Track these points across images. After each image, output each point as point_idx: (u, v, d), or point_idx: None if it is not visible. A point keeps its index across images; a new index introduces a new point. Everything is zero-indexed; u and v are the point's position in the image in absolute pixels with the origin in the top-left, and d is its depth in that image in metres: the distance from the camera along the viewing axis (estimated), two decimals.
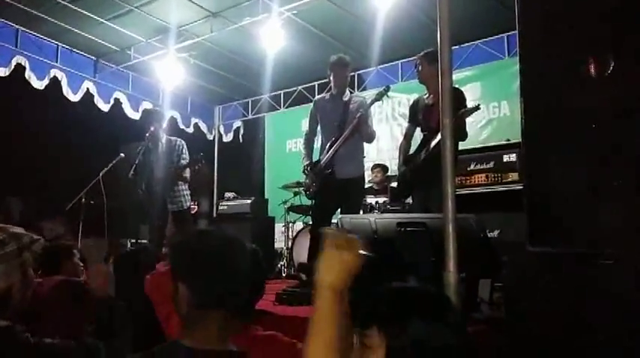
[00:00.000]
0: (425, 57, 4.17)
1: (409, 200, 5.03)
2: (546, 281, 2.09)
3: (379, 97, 4.55)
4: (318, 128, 4.73)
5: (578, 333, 1.93)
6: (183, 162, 5.15)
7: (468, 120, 4.08)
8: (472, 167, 4.89)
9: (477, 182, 4.85)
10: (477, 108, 3.96)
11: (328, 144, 4.50)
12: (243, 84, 9.11)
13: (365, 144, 4.72)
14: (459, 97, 3.89)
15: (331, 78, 4.71)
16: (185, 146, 5.29)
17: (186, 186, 5.27)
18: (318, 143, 4.77)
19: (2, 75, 6.97)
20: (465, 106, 3.97)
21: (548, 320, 2.06)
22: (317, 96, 4.96)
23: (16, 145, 7.29)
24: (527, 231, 2.22)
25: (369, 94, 7.87)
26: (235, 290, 1.41)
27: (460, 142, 4.03)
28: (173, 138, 5.36)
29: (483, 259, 2.52)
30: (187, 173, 5.17)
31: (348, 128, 4.39)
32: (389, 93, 7.61)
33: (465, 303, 2.14)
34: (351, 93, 4.77)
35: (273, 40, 6.74)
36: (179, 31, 7.25)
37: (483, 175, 4.83)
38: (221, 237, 1.49)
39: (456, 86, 3.77)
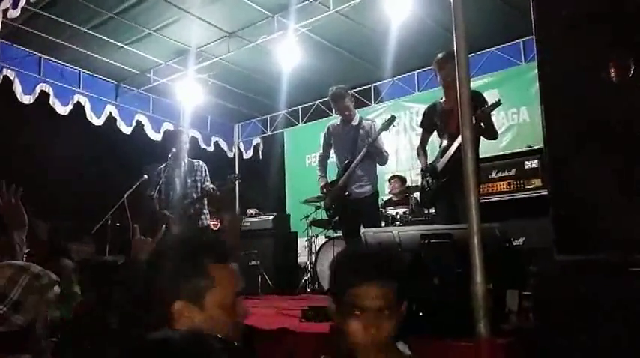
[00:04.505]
0: (438, 61, 4.19)
1: (432, 209, 5.04)
2: (576, 290, 2.06)
3: (385, 127, 4.81)
4: (331, 151, 5.09)
5: (610, 344, 1.89)
6: (208, 183, 5.24)
7: None
8: (493, 175, 4.86)
9: (499, 190, 4.81)
10: (497, 103, 3.90)
11: (342, 167, 4.83)
12: (261, 101, 9.20)
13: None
14: (478, 99, 3.89)
15: (334, 108, 5.15)
16: (206, 169, 5.37)
17: (205, 205, 5.36)
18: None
19: (27, 102, 7.13)
20: (487, 104, 3.95)
21: (579, 330, 2.03)
22: (330, 123, 5.22)
23: (42, 169, 7.47)
24: (554, 239, 2.19)
25: (379, 111, 8.08)
26: None
27: (481, 150, 4.02)
28: (195, 160, 5.45)
29: (510, 269, 2.49)
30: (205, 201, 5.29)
31: (359, 151, 4.72)
32: (406, 104, 7.72)
33: (494, 315, 2.12)
34: (361, 118, 5.04)
35: (289, 56, 6.80)
36: (197, 52, 7.36)
37: (505, 183, 4.79)
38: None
39: (474, 89, 3.75)
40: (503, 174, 4.83)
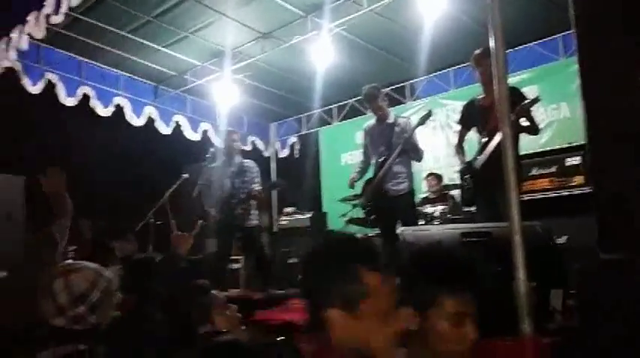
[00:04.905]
0: (475, 57, 4.15)
1: (472, 207, 4.98)
2: (620, 289, 2.02)
3: (422, 122, 4.78)
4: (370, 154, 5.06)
5: None
6: (255, 186, 5.29)
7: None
8: (534, 172, 4.79)
9: (540, 187, 4.73)
10: (536, 100, 3.85)
11: (378, 164, 4.83)
12: (296, 100, 9.24)
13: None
14: (516, 95, 3.83)
15: (368, 107, 5.20)
16: (258, 170, 5.43)
17: (253, 205, 5.43)
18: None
19: (71, 104, 7.35)
20: (525, 100, 3.89)
21: (623, 329, 1.99)
22: (366, 124, 5.21)
23: (86, 170, 7.69)
24: (598, 238, 2.16)
25: (415, 109, 8.02)
26: None
27: (520, 147, 3.96)
28: (246, 160, 5.50)
29: (553, 268, 2.46)
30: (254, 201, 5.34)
31: (394, 149, 4.70)
32: (442, 101, 7.65)
33: (538, 314, 2.10)
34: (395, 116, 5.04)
35: (323, 56, 6.80)
36: (232, 54, 7.43)
37: (546, 180, 4.72)
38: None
39: (512, 85, 3.70)
40: (545, 172, 4.75)
